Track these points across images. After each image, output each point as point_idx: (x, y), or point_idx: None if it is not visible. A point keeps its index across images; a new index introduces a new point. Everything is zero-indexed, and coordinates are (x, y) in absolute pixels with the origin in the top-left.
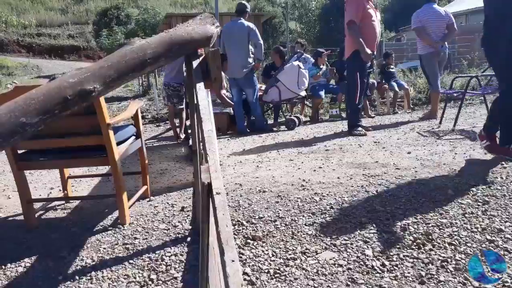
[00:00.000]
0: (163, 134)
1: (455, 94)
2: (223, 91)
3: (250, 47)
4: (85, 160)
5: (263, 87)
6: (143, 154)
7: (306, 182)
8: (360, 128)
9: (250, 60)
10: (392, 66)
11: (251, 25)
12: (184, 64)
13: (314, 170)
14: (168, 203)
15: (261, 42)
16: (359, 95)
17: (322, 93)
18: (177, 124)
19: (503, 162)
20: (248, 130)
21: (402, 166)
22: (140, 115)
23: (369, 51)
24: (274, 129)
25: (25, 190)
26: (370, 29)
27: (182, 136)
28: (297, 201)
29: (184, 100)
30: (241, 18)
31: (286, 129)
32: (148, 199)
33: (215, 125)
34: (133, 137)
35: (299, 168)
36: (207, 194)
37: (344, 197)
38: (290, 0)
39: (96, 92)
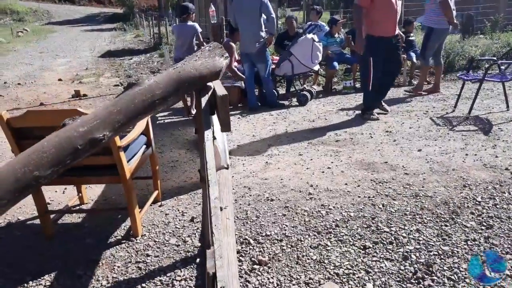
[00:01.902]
0: (174, 105)
1: (472, 80)
2: (234, 64)
3: (262, 20)
4: (98, 178)
5: (276, 58)
6: (155, 160)
7: (314, 189)
8: (372, 112)
9: (263, 34)
10: (412, 35)
11: None
12: (194, 38)
13: (323, 172)
14: (178, 210)
15: (274, 15)
16: (372, 81)
17: (336, 64)
18: (188, 99)
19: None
20: (259, 104)
21: (410, 170)
22: (150, 124)
23: (363, 42)
24: (286, 103)
25: (41, 203)
26: (382, 9)
27: (194, 111)
28: (304, 214)
29: None
30: None
31: (297, 104)
32: (159, 204)
33: None
34: (144, 147)
35: (307, 168)
36: (212, 285)
37: (351, 212)
38: None
39: (106, 139)
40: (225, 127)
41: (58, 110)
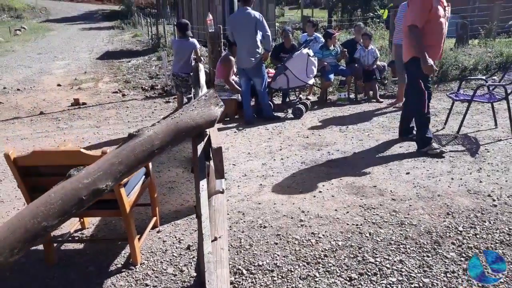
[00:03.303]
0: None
1: (461, 101)
2: (232, 77)
3: (258, 36)
4: (99, 211)
5: (271, 71)
6: (153, 188)
7: (305, 215)
8: (435, 146)
9: (258, 50)
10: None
11: (258, 14)
12: (192, 54)
13: (314, 196)
14: (175, 236)
15: (269, 32)
16: (427, 103)
17: (331, 76)
18: None
19: (494, 198)
20: (255, 116)
21: (398, 196)
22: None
23: (431, 62)
24: (282, 115)
25: None
26: (434, 33)
27: None
28: (295, 243)
29: (193, 89)
30: (248, 8)
31: (293, 116)
32: (157, 230)
33: (223, 111)
34: (144, 177)
35: (300, 192)
36: None
37: (339, 240)
38: None
39: (108, 188)
40: (219, 174)
41: (61, 151)
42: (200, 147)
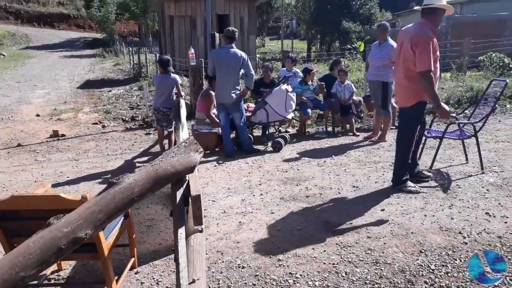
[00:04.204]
0: (152, 148)
1: (433, 137)
2: (213, 111)
3: (240, 74)
4: (77, 254)
5: (251, 106)
6: (132, 228)
7: (283, 254)
8: (410, 184)
9: (238, 87)
10: None
11: (244, 55)
12: (174, 88)
13: (293, 234)
14: (153, 278)
15: (253, 72)
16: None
17: (309, 110)
18: (166, 148)
19: (464, 235)
20: (236, 149)
21: (373, 234)
22: None
23: (447, 107)
24: (262, 148)
25: None
26: (435, 74)
27: None
28: (273, 284)
29: (174, 122)
30: (233, 46)
31: (272, 150)
32: (135, 271)
33: (204, 144)
34: (123, 219)
35: (278, 229)
36: None
37: (316, 280)
38: None
39: (88, 236)
40: (198, 221)
41: (41, 196)
42: (179, 194)
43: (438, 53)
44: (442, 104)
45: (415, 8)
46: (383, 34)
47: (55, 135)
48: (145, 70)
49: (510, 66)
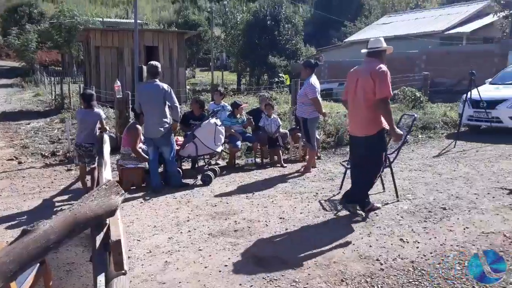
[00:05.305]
0: (74, 185)
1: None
2: (140, 145)
3: (166, 107)
4: None
5: (180, 139)
6: (49, 276)
7: None
8: (370, 203)
9: (166, 120)
10: None
11: (166, 86)
12: (97, 124)
13: (220, 271)
14: None
15: (177, 104)
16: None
17: (239, 143)
18: (88, 184)
19: (381, 262)
20: (163, 184)
21: (298, 265)
22: None
23: (400, 132)
24: (191, 181)
25: None
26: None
27: None
28: None
29: (97, 158)
30: (156, 80)
31: (202, 183)
32: None
33: (130, 180)
34: (38, 265)
35: (206, 267)
36: None
37: None
38: (215, 8)
39: None
40: (118, 267)
41: None
42: (99, 239)
43: None
44: (397, 129)
45: (362, 51)
46: (304, 71)
47: None
48: (68, 101)
49: (421, 99)
